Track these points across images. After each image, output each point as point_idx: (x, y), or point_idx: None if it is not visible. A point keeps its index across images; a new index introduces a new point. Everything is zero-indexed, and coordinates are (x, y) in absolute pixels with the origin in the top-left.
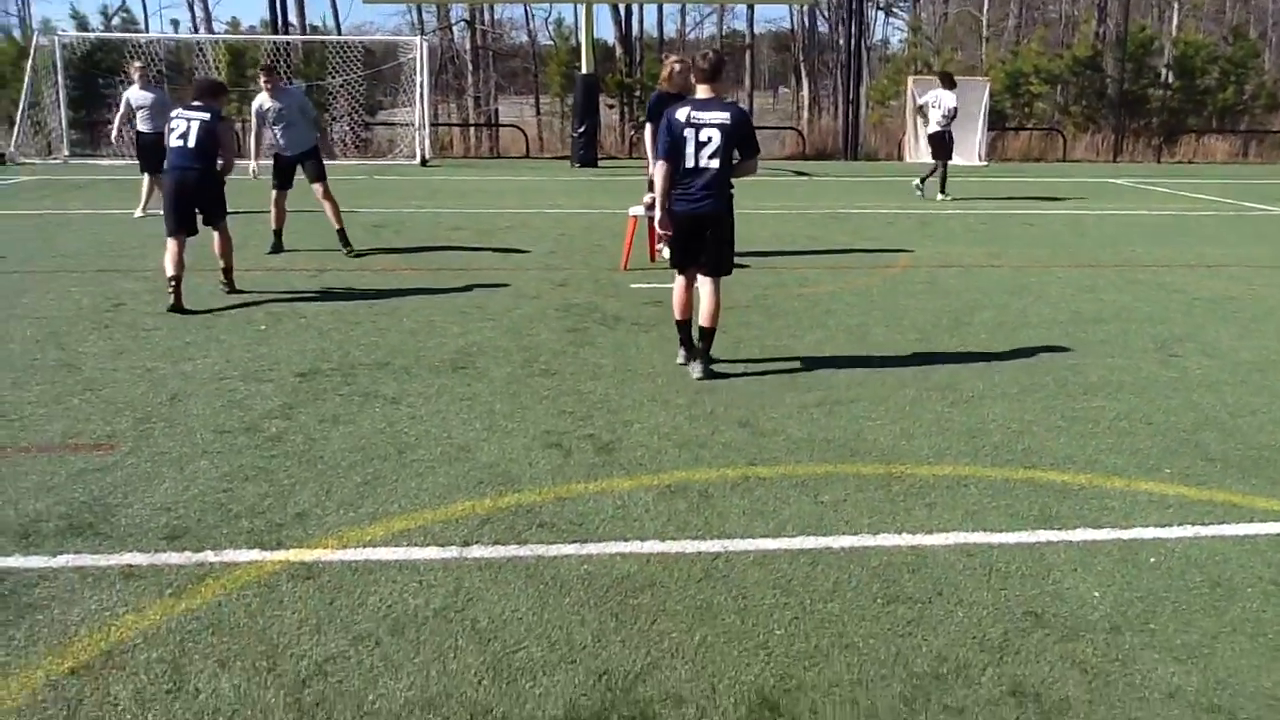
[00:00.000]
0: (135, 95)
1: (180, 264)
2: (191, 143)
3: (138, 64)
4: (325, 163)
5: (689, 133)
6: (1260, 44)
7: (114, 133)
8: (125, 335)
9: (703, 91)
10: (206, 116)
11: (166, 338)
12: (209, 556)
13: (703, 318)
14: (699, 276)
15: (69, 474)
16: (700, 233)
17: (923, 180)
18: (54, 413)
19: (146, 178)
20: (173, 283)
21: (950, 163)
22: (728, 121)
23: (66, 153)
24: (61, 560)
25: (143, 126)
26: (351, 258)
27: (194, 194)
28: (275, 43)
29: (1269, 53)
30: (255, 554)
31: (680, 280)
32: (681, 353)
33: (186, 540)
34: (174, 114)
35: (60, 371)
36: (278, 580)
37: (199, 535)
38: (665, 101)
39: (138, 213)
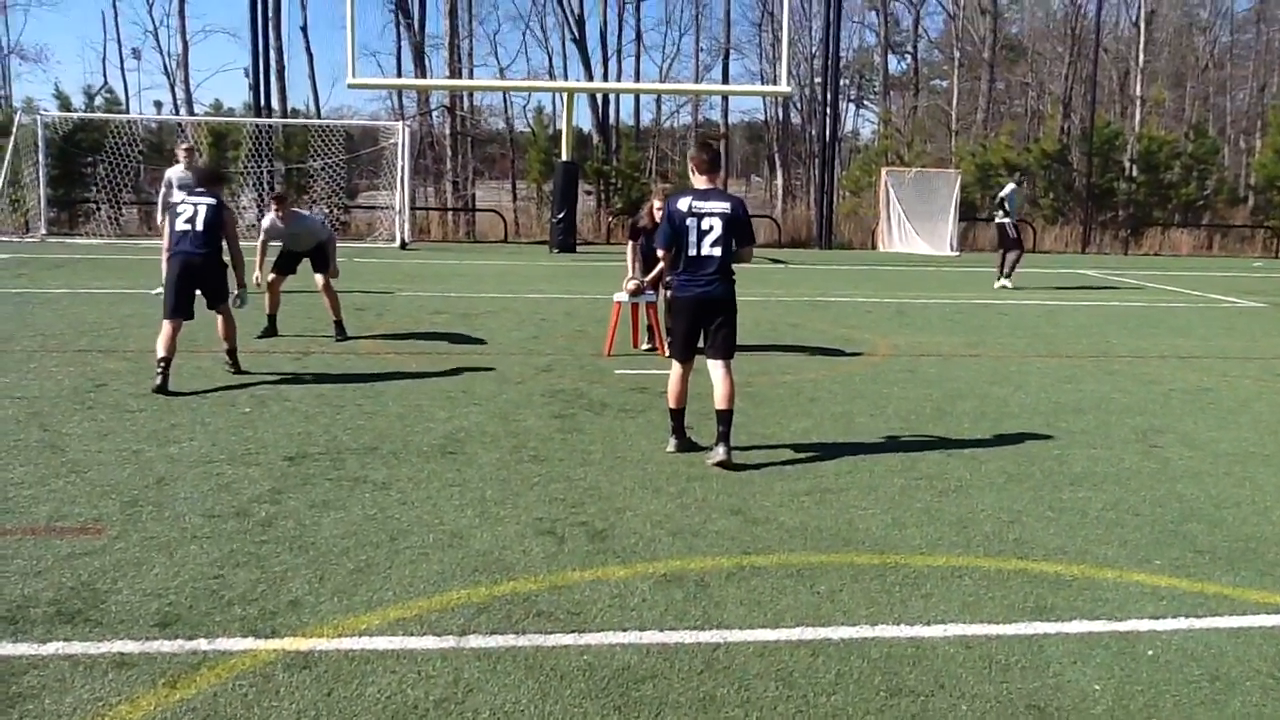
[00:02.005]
0: (178, 174)
1: (173, 347)
2: (200, 226)
3: (185, 145)
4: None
5: (691, 222)
6: (1220, 141)
7: (160, 214)
8: (109, 416)
9: (702, 182)
10: (212, 202)
11: (151, 419)
12: (202, 645)
13: (720, 401)
14: (709, 361)
15: (56, 558)
16: (707, 317)
17: (1002, 274)
18: (39, 494)
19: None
20: (162, 364)
21: (1016, 253)
22: (728, 211)
23: (44, 231)
24: (51, 648)
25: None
26: (338, 343)
27: (199, 277)
28: (257, 125)
29: (1228, 150)
30: (249, 642)
31: (678, 369)
32: (673, 441)
33: (179, 628)
34: (179, 200)
35: (44, 452)
36: (273, 670)
37: (191, 623)
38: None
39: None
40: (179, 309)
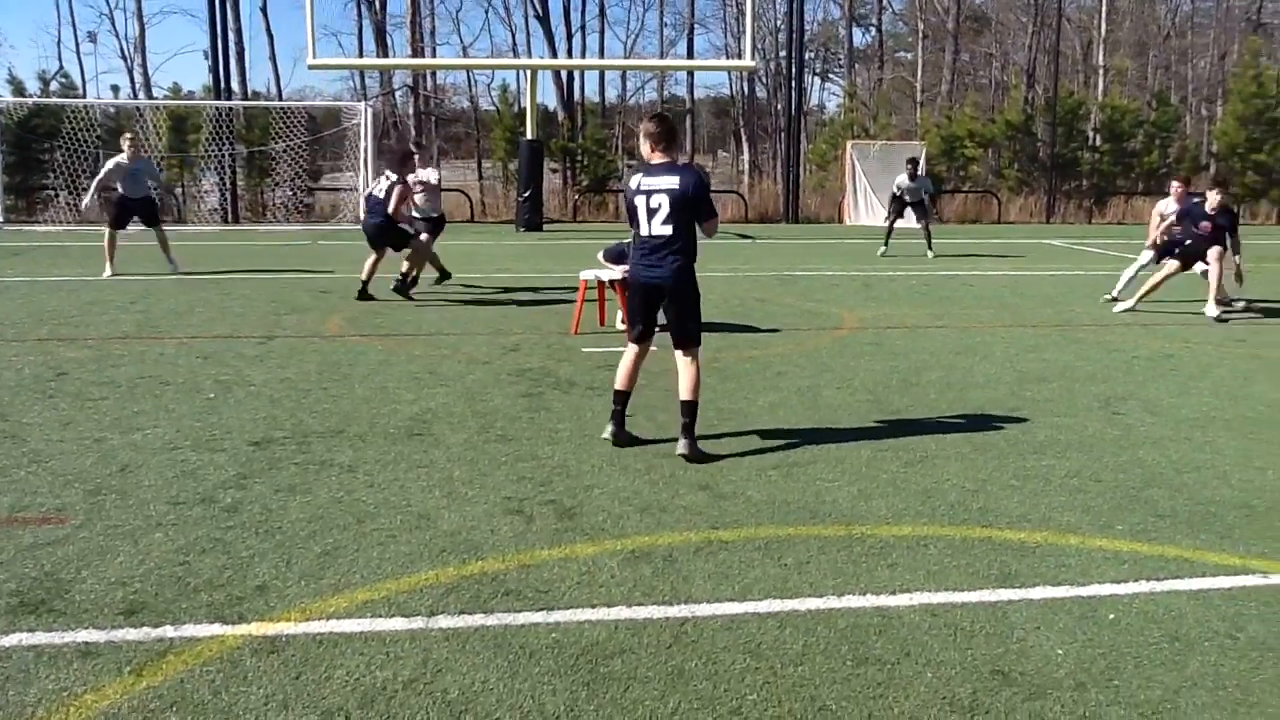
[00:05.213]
0: (125, 162)
1: (372, 272)
2: (381, 195)
3: (129, 135)
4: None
5: (640, 200)
6: (1182, 109)
7: (88, 199)
8: (71, 405)
9: (656, 157)
10: (394, 179)
11: (114, 407)
12: (168, 632)
13: (682, 391)
14: (675, 353)
15: (18, 549)
16: (659, 301)
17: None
18: (0, 485)
19: (109, 233)
20: (364, 283)
21: (894, 223)
22: (675, 187)
23: (1, 219)
24: (14, 639)
25: (126, 190)
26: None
27: (375, 236)
28: (218, 108)
29: (1189, 118)
30: (216, 628)
31: (631, 350)
32: (610, 427)
33: (144, 615)
34: (379, 177)
35: (4, 443)
36: (241, 655)
37: (157, 610)
38: None
39: (106, 273)
40: (376, 250)
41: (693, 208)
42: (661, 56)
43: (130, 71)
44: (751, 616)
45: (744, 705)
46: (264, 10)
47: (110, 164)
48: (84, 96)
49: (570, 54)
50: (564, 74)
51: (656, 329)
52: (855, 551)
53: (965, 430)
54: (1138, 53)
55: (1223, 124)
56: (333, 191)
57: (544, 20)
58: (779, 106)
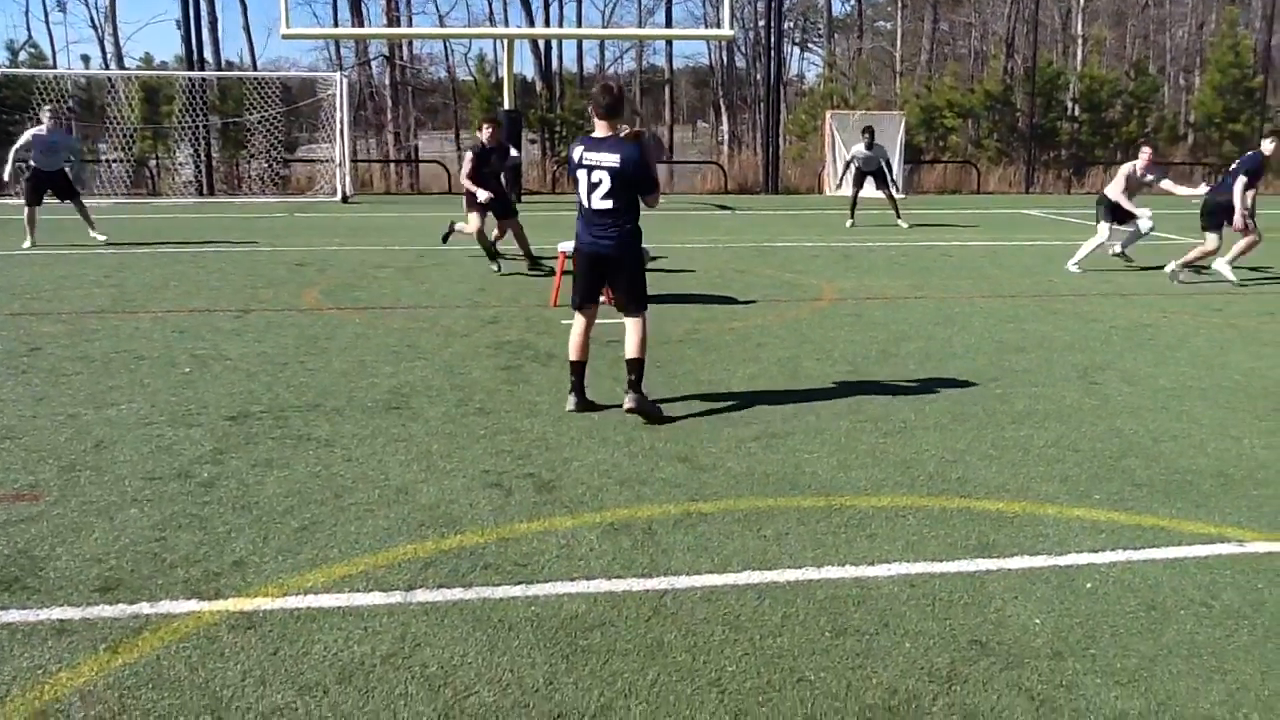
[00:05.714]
0: (43, 134)
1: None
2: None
3: (48, 107)
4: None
5: (581, 174)
6: (1160, 79)
7: (8, 170)
8: (44, 380)
9: (601, 129)
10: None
11: (88, 382)
12: (144, 608)
13: (631, 350)
14: (624, 318)
15: None
16: (601, 272)
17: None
18: None
19: (27, 210)
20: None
21: (857, 194)
22: (617, 164)
23: None
24: None
25: (40, 163)
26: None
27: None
28: (190, 79)
29: (1168, 87)
30: (193, 604)
31: (579, 320)
32: (571, 399)
33: (120, 592)
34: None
35: None
36: (218, 631)
37: (133, 587)
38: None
39: (26, 244)
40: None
41: (633, 184)
42: (640, 25)
43: (101, 41)
44: (731, 588)
45: (723, 676)
46: None
47: (27, 135)
48: (54, 67)
49: (548, 23)
50: (542, 44)
51: (601, 298)
52: (834, 522)
53: (944, 401)
54: (1116, 22)
55: (1200, 94)
56: (309, 163)
57: None
58: (758, 76)
